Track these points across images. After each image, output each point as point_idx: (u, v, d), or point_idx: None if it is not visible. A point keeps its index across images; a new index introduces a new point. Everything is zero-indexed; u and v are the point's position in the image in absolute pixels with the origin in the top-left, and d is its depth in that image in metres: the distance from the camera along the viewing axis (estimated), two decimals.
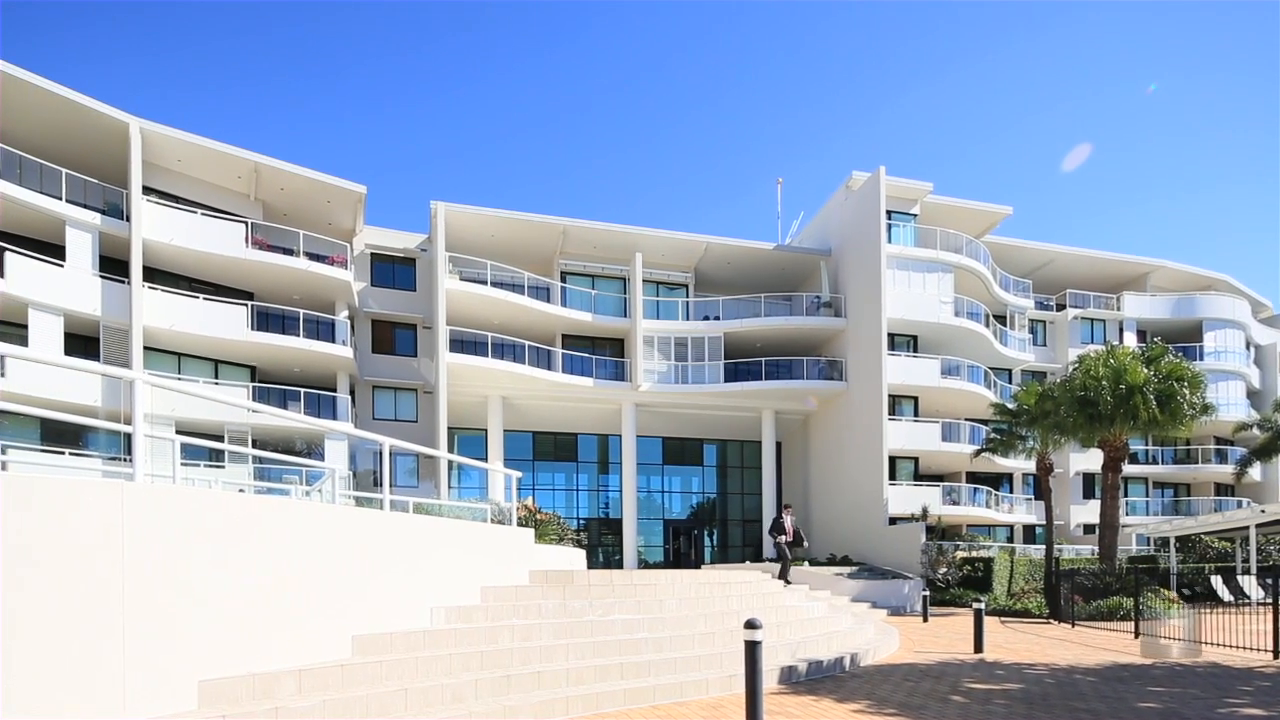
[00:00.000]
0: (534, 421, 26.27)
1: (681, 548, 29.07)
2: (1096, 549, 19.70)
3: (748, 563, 25.36)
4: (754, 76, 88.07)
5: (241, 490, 12.74)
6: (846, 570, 20.31)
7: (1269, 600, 17.60)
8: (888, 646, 10.41)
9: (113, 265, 18.26)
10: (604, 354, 25.82)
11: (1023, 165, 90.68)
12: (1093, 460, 24.77)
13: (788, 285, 28.28)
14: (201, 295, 19.67)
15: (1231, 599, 18.85)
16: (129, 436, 4.87)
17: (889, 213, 24.44)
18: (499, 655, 6.55)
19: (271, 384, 21.51)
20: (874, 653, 9.65)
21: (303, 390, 21.29)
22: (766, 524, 26.57)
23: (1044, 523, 19.84)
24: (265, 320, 20.74)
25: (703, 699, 6.85)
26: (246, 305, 20.08)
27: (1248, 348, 32.56)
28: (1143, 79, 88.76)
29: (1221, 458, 30.72)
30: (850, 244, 25.84)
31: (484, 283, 23.27)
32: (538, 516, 14.03)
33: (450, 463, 22.57)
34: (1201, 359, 30.03)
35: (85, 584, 4.09)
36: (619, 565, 25.64)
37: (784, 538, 14.99)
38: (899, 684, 7.81)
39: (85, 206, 17.93)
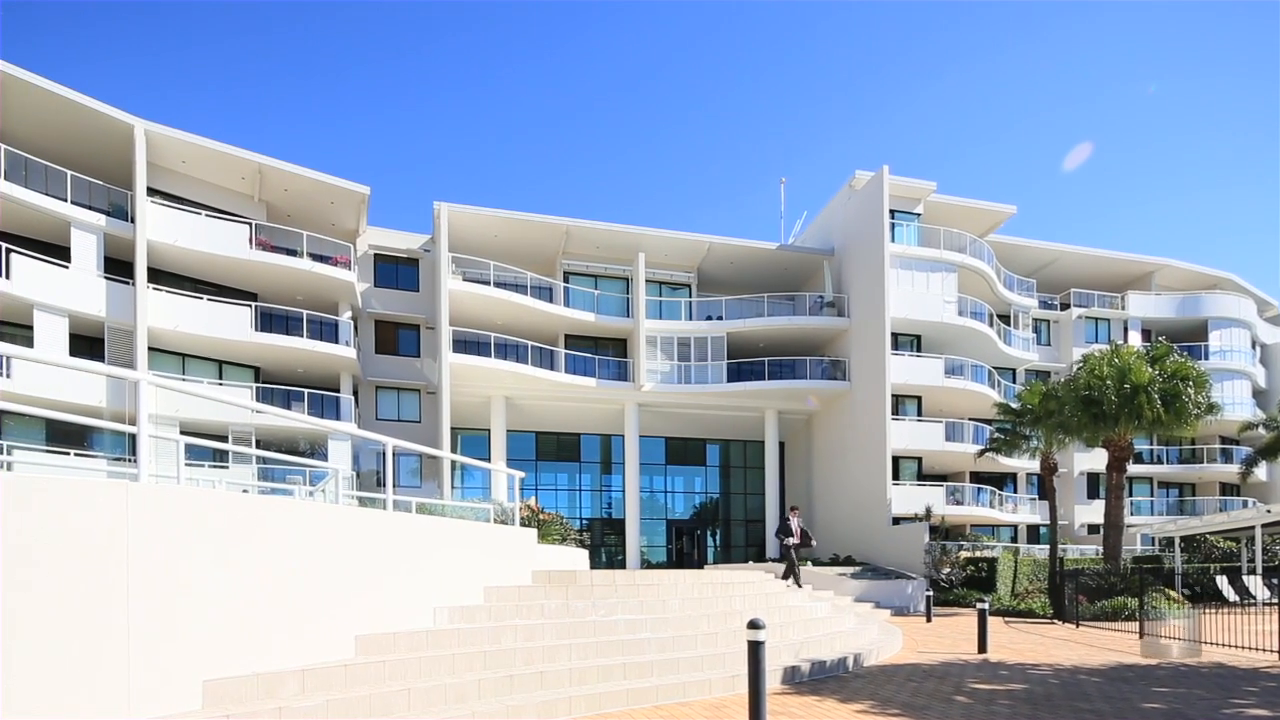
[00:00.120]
0: (537, 422, 26.29)
1: (684, 548, 29.06)
2: (1101, 549, 19.64)
3: (751, 563, 25.33)
4: (757, 76, 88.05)
5: (245, 491, 12.79)
6: (850, 570, 20.29)
7: (1274, 600, 17.56)
8: (891, 647, 10.39)
9: (117, 266, 18.32)
10: (607, 354, 25.83)
11: (1027, 165, 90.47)
12: (1097, 460, 24.70)
13: (791, 285, 28.24)
14: (205, 296, 19.73)
15: (1237, 599, 18.78)
16: (134, 437, 4.89)
17: (892, 212, 24.39)
18: (502, 655, 6.56)
19: (275, 384, 21.57)
20: (877, 653, 9.63)
21: (306, 391, 21.34)
22: (769, 524, 26.60)
23: (1048, 523, 19.78)
24: (269, 321, 20.80)
25: (706, 699, 6.84)
26: (250, 306, 20.14)
27: (1253, 347, 32.42)
28: (1147, 78, 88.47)
29: (1227, 457, 30.58)
30: (853, 243, 25.80)
31: (487, 283, 23.29)
32: (540, 517, 14.04)
33: (453, 463, 22.61)
34: (1206, 358, 29.91)
35: (90, 584, 4.11)
36: (622, 565, 25.65)
37: (791, 540, 14.86)
38: (902, 684, 7.80)
39: (90, 208, 18.00)
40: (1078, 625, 14.56)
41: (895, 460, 24.15)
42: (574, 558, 11.56)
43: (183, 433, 17.02)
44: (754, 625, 5.25)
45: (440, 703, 5.58)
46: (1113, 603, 14.98)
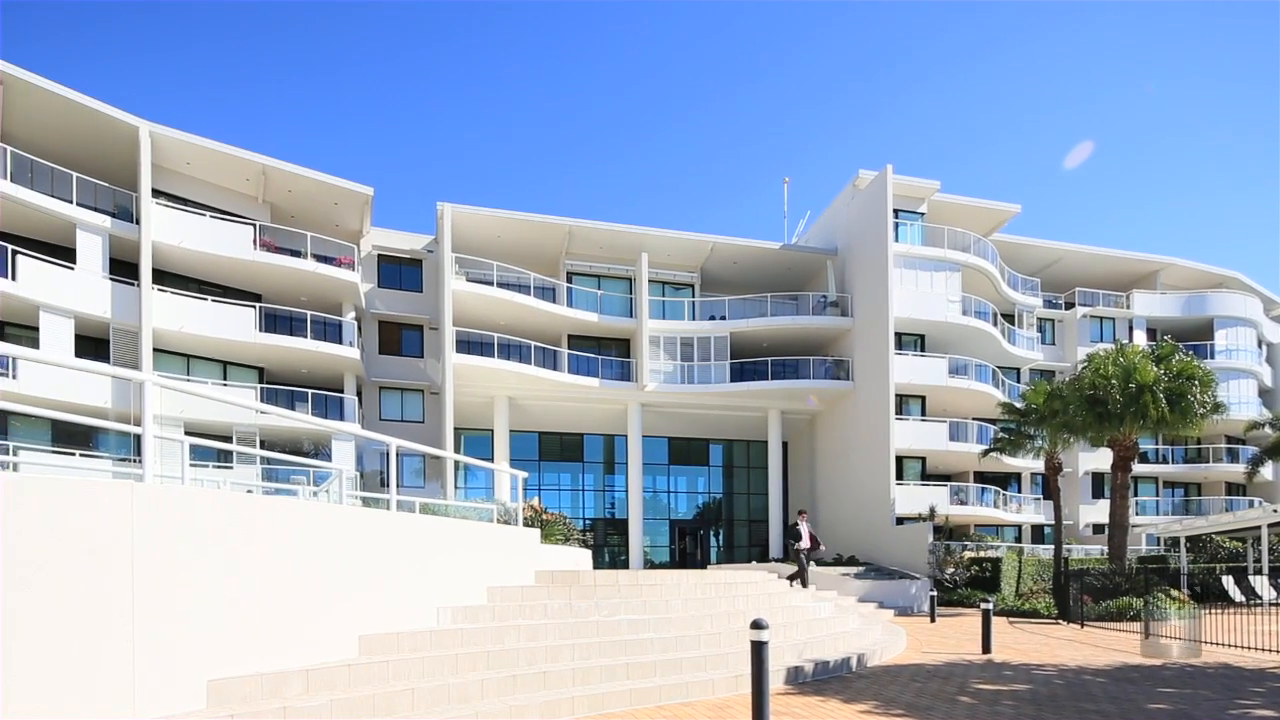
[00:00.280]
0: (540, 422, 26.32)
1: (687, 548, 29.06)
2: (1106, 549, 19.57)
3: (754, 563, 25.32)
4: (760, 76, 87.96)
5: (250, 491, 12.83)
6: (853, 570, 20.26)
7: None
8: (895, 647, 10.37)
9: (122, 268, 18.41)
10: (610, 354, 25.84)
11: (1031, 164, 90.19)
12: (1102, 459, 24.63)
13: (794, 285, 28.21)
14: (210, 297, 19.81)
15: (1243, 599, 18.67)
16: (139, 437, 4.92)
17: (896, 211, 24.35)
18: (505, 655, 6.57)
19: (279, 385, 21.65)
20: (881, 653, 9.61)
21: (310, 391, 21.41)
22: (772, 524, 26.60)
23: (1053, 522, 19.71)
24: (273, 322, 20.87)
25: (709, 699, 6.84)
26: (254, 307, 20.21)
27: (1260, 345, 32.28)
28: (1151, 78, 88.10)
29: (1233, 456, 30.45)
30: (857, 243, 25.76)
31: (490, 283, 23.33)
32: (544, 517, 14.04)
33: (456, 463, 22.65)
34: (1212, 357, 29.79)
35: (95, 584, 4.13)
36: (625, 565, 25.66)
37: (803, 545, 14.71)
38: (906, 684, 7.78)
39: (95, 209, 18.09)
40: (1082, 625, 14.50)
41: (899, 460, 24.11)
42: (577, 558, 11.56)
43: (187, 433, 17.09)
44: (757, 625, 5.24)
45: (444, 703, 5.59)
46: (1118, 603, 14.92)
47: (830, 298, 26.36)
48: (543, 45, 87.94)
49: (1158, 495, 31.49)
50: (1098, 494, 29.40)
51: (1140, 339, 29.33)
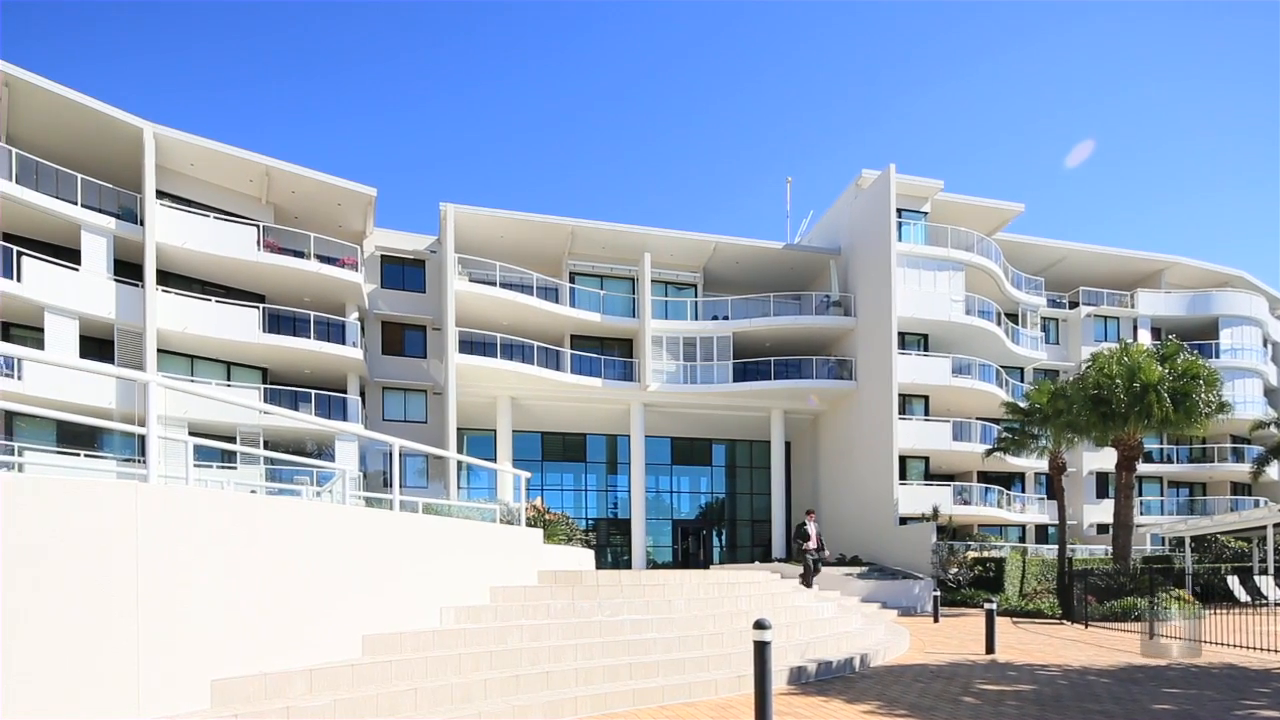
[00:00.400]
0: (543, 422, 26.33)
1: (690, 548, 29.04)
2: (1110, 549, 19.49)
3: (757, 563, 25.30)
4: (763, 76, 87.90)
5: (253, 491, 12.86)
6: (856, 570, 20.22)
7: None
8: (898, 647, 10.35)
9: (127, 269, 18.48)
10: (612, 354, 25.85)
11: (1034, 163, 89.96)
12: (1106, 459, 24.52)
13: (797, 284, 28.18)
14: (214, 298, 19.88)
15: (1249, 600, 18.60)
16: (143, 438, 4.93)
17: (899, 211, 24.31)
18: (508, 655, 6.58)
19: (283, 385, 21.71)
20: (884, 653, 9.60)
21: (314, 392, 21.46)
22: (775, 524, 26.57)
23: (1057, 522, 19.66)
24: (276, 322, 20.93)
25: (712, 699, 6.84)
26: (258, 308, 20.27)
27: (1265, 345, 32.12)
28: (1156, 78, 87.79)
29: (1238, 456, 30.31)
30: (860, 243, 25.72)
31: (493, 284, 23.35)
32: (546, 517, 14.06)
33: (459, 463, 22.67)
34: (1218, 356, 29.68)
35: (99, 584, 4.14)
36: (627, 565, 25.66)
37: (810, 544, 14.59)
38: (910, 685, 7.77)
39: (100, 211, 18.17)
40: (1087, 626, 14.46)
41: (902, 460, 24.06)
42: (580, 558, 11.57)
43: (191, 434, 17.14)
44: (760, 625, 5.23)
45: (447, 702, 5.59)
46: (1122, 603, 14.87)
47: (833, 297, 26.33)
48: (545, 46, 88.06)
49: (1162, 495, 31.37)
50: (1102, 494, 29.29)
51: (1145, 338, 29.21)
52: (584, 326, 25.16)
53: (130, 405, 17.37)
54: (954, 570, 19.86)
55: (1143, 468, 26.65)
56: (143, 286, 18.26)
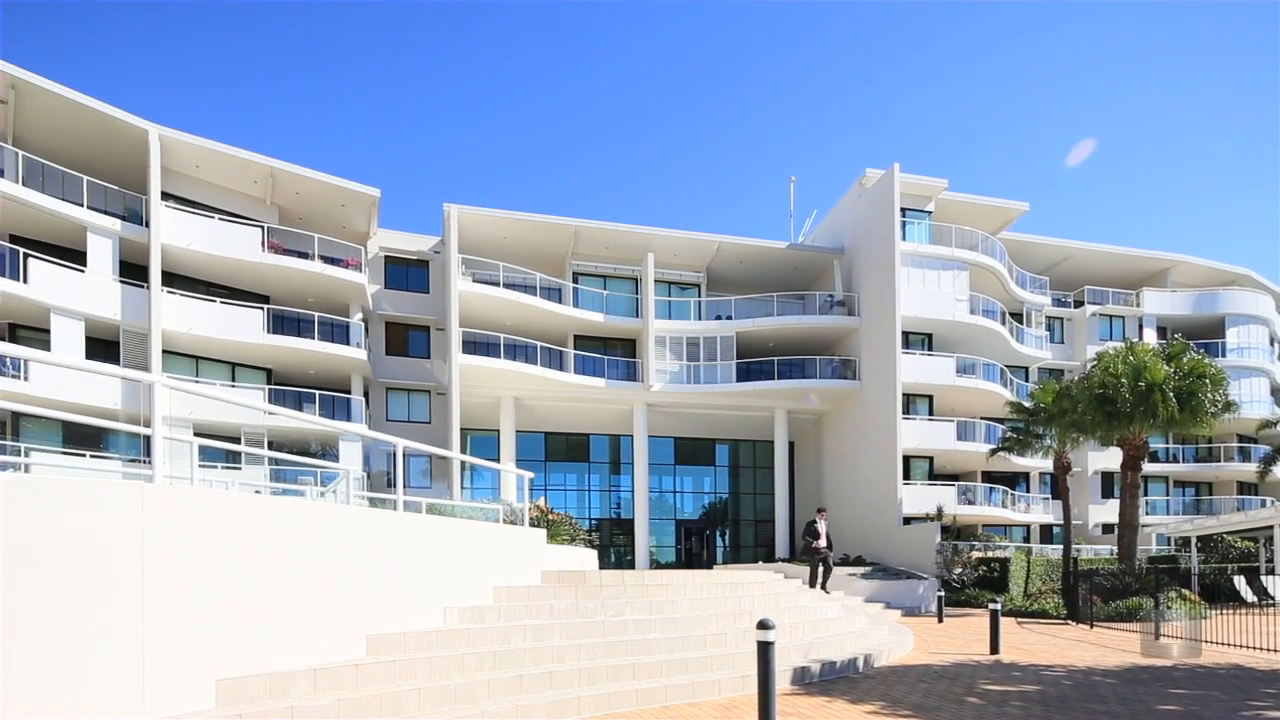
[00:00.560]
0: (546, 422, 26.35)
1: (693, 548, 29.03)
2: (1115, 549, 19.44)
3: (760, 563, 25.28)
4: (766, 75, 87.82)
5: (258, 491, 12.91)
6: (860, 570, 20.19)
7: None
8: (902, 647, 10.34)
9: (132, 270, 18.56)
10: (616, 354, 25.86)
11: (1039, 162, 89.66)
12: (1112, 459, 24.43)
13: (800, 284, 28.14)
14: (219, 299, 19.95)
15: (1255, 600, 18.52)
16: (148, 439, 4.96)
17: (903, 210, 24.24)
18: (511, 655, 6.59)
19: (287, 386, 21.77)
20: (888, 654, 9.58)
21: (318, 392, 21.52)
22: (779, 524, 26.53)
23: (1061, 522, 19.58)
24: (281, 323, 20.99)
25: (715, 699, 6.84)
26: (262, 308, 20.34)
27: (1272, 343, 31.94)
28: (1160, 77, 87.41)
29: (1244, 456, 30.15)
30: (864, 242, 25.67)
31: (496, 284, 23.38)
32: (550, 517, 14.09)
33: (463, 464, 22.70)
34: (1224, 355, 29.51)
35: (105, 584, 4.16)
36: (631, 565, 25.66)
37: (820, 542, 14.27)
38: (913, 685, 7.76)
39: (106, 213, 18.25)
40: (1092, 626, 14.41)
41: (906, 460, 24.00)
42: (583, 558, 11.59)
43: (196, 434, 17.21)
44: (763, 625, 5.23)
45: (450, 702, 5.61)
46: (1128, 603, 14.81)
47: (837, 297, 26.28)
48: (548, 46, 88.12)
49: (1168, 495, 31.22)
50: (1107, 493, 29.17)
51: (1150, 337, 29.08)
52: (587, 326, 25.17)
53: (136, 406, 17.45)
54: (958, 570, 19.81)
55: (1148, 467, 26.53)
56: (148, 288, 18.34)
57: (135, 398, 17.53)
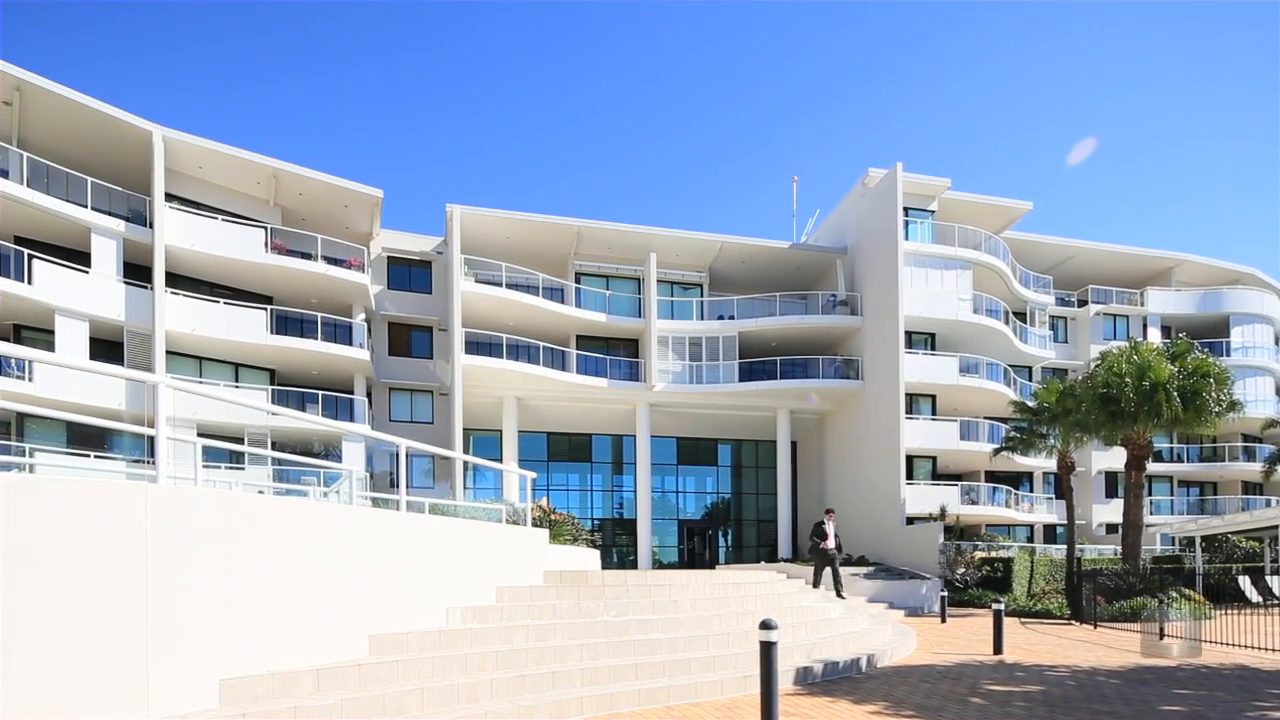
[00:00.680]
0: (548, 422, 26.37)
1: (696, 548, 29.02)
2: (1119, 549, 19.37)
3: (763, 563, 25.26)
4: (769, 75, 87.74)
5: (261, 491, 12.93)
6: (863, 570, 20.15)
7: None
8: (905, 647, 10.32)
9: (136, 271, 18.61)
10: (618, 354, 25.86)
11: (1043, 161, 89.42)
12: (1116, 458, 24.37)
13: (803, 284, 28.12)
14: (222, 300, 20.00)
15: (1260, 600, 18.45)
16: (152, 439, 4.98)
17: (906, 209, 24.19)
18: (514, 655, 6.59)
19: (290, 387, 21.82)
20: (891, 654, 9.57)
21: (321, 393, 21.57)
22: (781, 524, 26.50)
23: (1065, 522, 19.53)
24: (284, 324, 21.04)
25: (718, 700, 6.84)
26: (266, 309, 20.39)
27: (1276, 343, 31.80)
28: (1163, 77, 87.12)
29: (1249, 455, 30.03)
30: (867, 241, 25.64)
31: (499, 284, 23.40)
32: (552, 517, 14.09)
33: (465, 464, 22.73)
34: (1229, 354, 29.41)
35: (110, 584, 4.18)
36: (633, 566, 25.66)
37: (828, 544, 14.09)
38: (917, 685, 7.74)
39: (110, 214, 18.30)
40: (1096, 626, 14.37)
41: (909, 459, 23.97)
42: (585, 558, 11.59)
43: (200, 435, 17.24)
44: (766, 625, 5.23)
45: (453, 702, 5.61)
46: (1132, 603, 14.76)
47: (840, 297, 26.25)
48: (551, 46, 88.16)
49: (1172, 494, 31.12)
50: (1111, 493, 29.09)
51: (1154, 336, 29.00)
52: (589, 327, 25.18)
53: (140, 407, 17.51)
54: (961, 570, 19.76)
55: (1153, 467, 26.48)
56: (152, 289, 18.40)
57: (139, 398, 17.59)
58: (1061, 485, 19.92)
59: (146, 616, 4.32)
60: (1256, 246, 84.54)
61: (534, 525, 10.94)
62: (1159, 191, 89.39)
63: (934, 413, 25.51)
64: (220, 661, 4.76)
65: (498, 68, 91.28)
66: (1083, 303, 30.50)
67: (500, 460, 23.40)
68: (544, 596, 8.07)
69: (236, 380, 21.03)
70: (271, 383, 21.70)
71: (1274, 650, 10.05)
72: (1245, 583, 19.19)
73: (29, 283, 16.60)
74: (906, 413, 23.50)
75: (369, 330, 23.08)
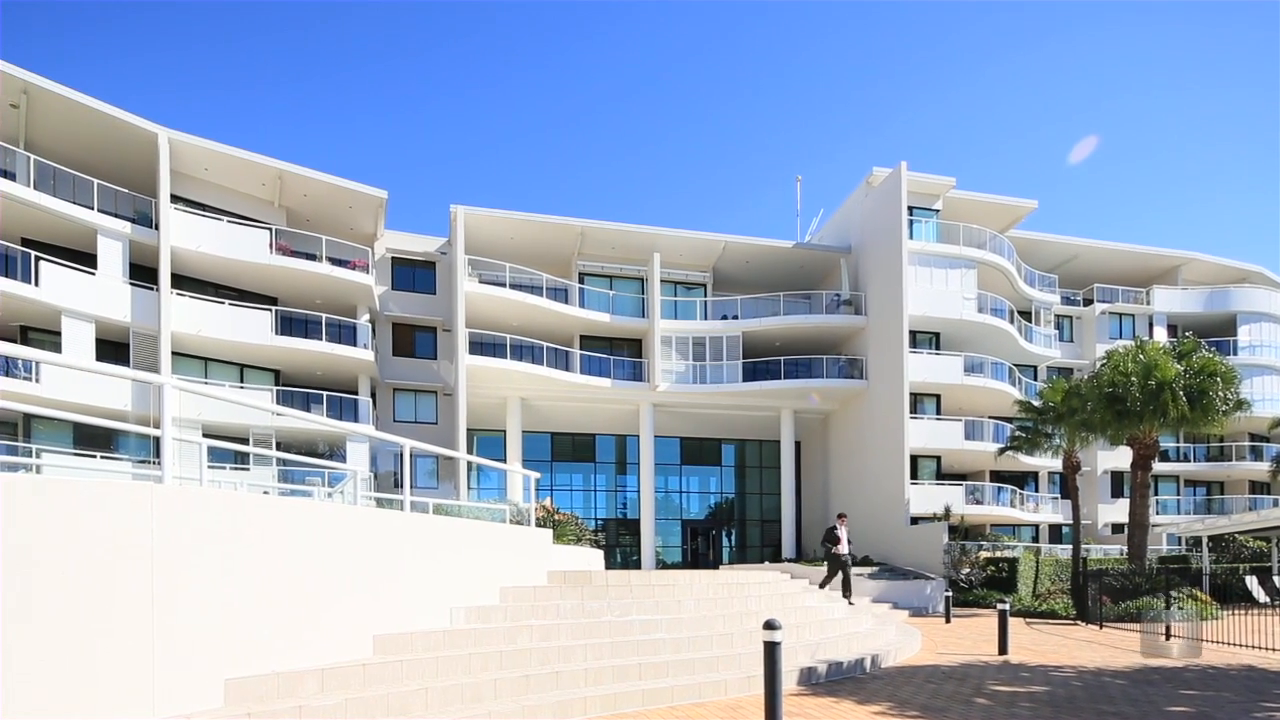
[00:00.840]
0: (552, 422, 26.39)
1: (699, 548, 29.01)
2: (1125, 549, 19.26)
3: (766, 563, 25.22)
4: (772, 74, 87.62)
5: (266, 492, 12.98)
6: (867, 571, 20.10)
7: None
8: (909, 648, 10.29)
9: (142, 272, 18.70)
10: (622, 354, 25.86)
11: (1048, 160, 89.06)
12: (1121, 458, 24.24)
13: (807, 283, 28.07)
14: (227, 301, 20.08)
15: (1268, 600, 18.34)
16: (158, 440, 5.00)
17: (910, 209, 24.14)
18: (518, 655, 6.60)
19: (295, 387, 21.88)
20: (895, 654, 9.54)
21: (325, 393, 21.63)
22: (785, 524, 26.46)
23: (1071, 522, 19.44)
24: (289, 325, 21.11)
25: (721, 700, 6.83)
26: (271, 310, 20.46)
27: None
28: (1167, 77, 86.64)
29: (1257, 455, 29.87)
30: (871, 241, 25.58)
31: (503, 285, 23.44)
32: (556, 517, 14.08)
33: (469, 464, 22.77)
34: (1235, 353, 29.22)
35: (116, 584, 4.20)
36: (637, 566, 25.66)
37: (841, 548, 13.88)
38: (921, 686, 7.72)
39: (116, 215, 18.39)
40: (1101, 626, 14.30)
41: (913, 459, 23.89)
42: (589, 558, 11.59)
43: (205, 435, 17.33)
44: (770, 626, 5.22)
45: (457, 702, 5.62)
46: (1138, 604, 14.68)
47: (844, 296, 26.19)
48: (554, 47, 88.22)
49: (1179, 494, 30.95)
50: (1117, 493, 28.95)
51: (1161, 335, 28.83)
52: (593, 327, 25.19)
53: (145, 407, 17.59)
54: (966, 570, 19.69)
55: (1159, 466, 26.31)
56: (157, 290, 18.48)
57: (145, 399, 17.67)
58: (1067, 485, 19.84)
59: (152, 616, 4.34)
60: (1264, 246, 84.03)
61: (538, 525, 10.94)
62: (1164, 191, 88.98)
63: (938, 412, 25.44)
64: (225, 661, 4.78)
65: (502, 69, 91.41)
66: (1088, 301, 30.36)
67: (504, 460, 23.43)
68: (548, 597, 8.07)
69: (241, 381, 21.11)
70: (276, 383, 21.78)
71: None
72: (1252, 583, 19.08)
73: (35, 284, 16.70)
74: (911, 412, 23.44)
75: (373, 331, 23.14)
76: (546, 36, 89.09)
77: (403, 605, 6.44)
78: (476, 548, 7.81)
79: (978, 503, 24.77)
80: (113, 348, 18.24)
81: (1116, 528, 28.26)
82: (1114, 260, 30.29)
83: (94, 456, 16.27)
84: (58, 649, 3.93)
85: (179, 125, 19.17)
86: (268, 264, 20.21)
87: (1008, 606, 10.57)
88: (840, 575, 13.97)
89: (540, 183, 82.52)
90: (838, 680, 8.03)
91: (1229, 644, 10.83)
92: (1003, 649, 10.26)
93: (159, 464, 5.03)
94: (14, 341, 17.55)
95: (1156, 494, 28.78)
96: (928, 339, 25.35)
